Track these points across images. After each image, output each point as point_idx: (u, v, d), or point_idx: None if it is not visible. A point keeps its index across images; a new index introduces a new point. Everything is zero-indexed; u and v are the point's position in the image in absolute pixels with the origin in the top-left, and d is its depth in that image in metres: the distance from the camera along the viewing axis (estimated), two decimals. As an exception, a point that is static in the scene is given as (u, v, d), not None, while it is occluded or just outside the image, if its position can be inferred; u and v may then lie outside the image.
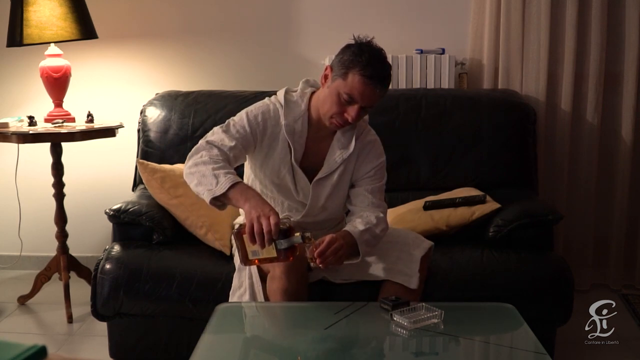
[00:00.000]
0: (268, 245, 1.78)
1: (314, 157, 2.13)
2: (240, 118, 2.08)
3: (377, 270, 2.12)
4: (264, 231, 1.76)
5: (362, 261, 2.07)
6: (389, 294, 2.02)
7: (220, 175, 1.85)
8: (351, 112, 1.97)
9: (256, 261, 1.85)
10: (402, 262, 2.11)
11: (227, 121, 2.09)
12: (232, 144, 2.00)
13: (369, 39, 2.02)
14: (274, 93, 2.18)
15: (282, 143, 2.08)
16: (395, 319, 1.81)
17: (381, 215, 2.10)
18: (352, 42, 2.02)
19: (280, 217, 1.80)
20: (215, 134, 2.03)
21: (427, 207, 2.60)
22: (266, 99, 2.16)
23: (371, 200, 2.13)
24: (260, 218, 1.77)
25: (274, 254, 1.81)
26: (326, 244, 1.88)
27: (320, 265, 1.89)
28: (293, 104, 2.10)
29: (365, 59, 1.94)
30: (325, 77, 2.04)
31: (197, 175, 1.89)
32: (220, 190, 1.83)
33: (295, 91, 2.15)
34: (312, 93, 2.13)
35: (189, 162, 1.95)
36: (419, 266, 2.10)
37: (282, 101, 2.10)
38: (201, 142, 2.01)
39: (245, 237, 1.80)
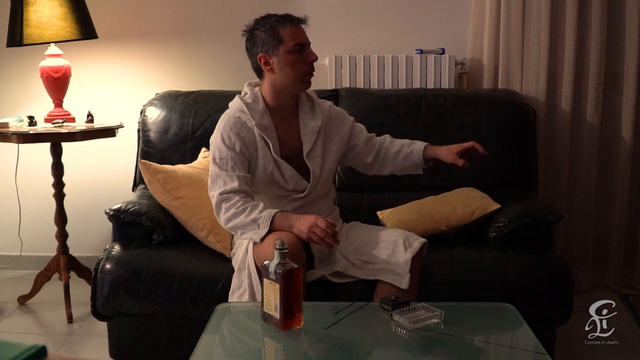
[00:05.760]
0: (335, 238, 2.01)
1: (289, 142, 2.25)
2: (219, 149, 2.18)
3: (369, 270, 2.17)
4: (324, 234, 1.99)
5: (357, 260, 2.19)
6: (382, 294, 2.06)
7: (256, 218, 2.08)
8: (309, 54, 2.18)
9: (299, 317, 1.76)
10: (393, 263, 2.12)
11: (211, 162, 2.19)
12: (236, 178, 2.15)
13: (250, 22, 2.23)
14: None
15: (259, 143, 2.20)
16: (395, 319, 1.81)
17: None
18: (257, 31, 2.19)
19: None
20: (217, 181, 2.16)
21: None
22: (223, 116, 2.26)
23: (375, 137, 2.42)
24: (313, 228, 2.00)
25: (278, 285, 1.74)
26: None
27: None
28: (252, 104, 2.23)
29: (274, 17, 2.17)
30: (269, 64, 2.18)
31: (238, 227, 2.12)
32: (264, 231, 2.06)
33: (246, 95, 2.27)
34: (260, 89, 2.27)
35: (221, 220, 2.16)
36: (409, 267, 2.10)
37: (244, 106, 2.21)
38: (215, 197, 2.15)
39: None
